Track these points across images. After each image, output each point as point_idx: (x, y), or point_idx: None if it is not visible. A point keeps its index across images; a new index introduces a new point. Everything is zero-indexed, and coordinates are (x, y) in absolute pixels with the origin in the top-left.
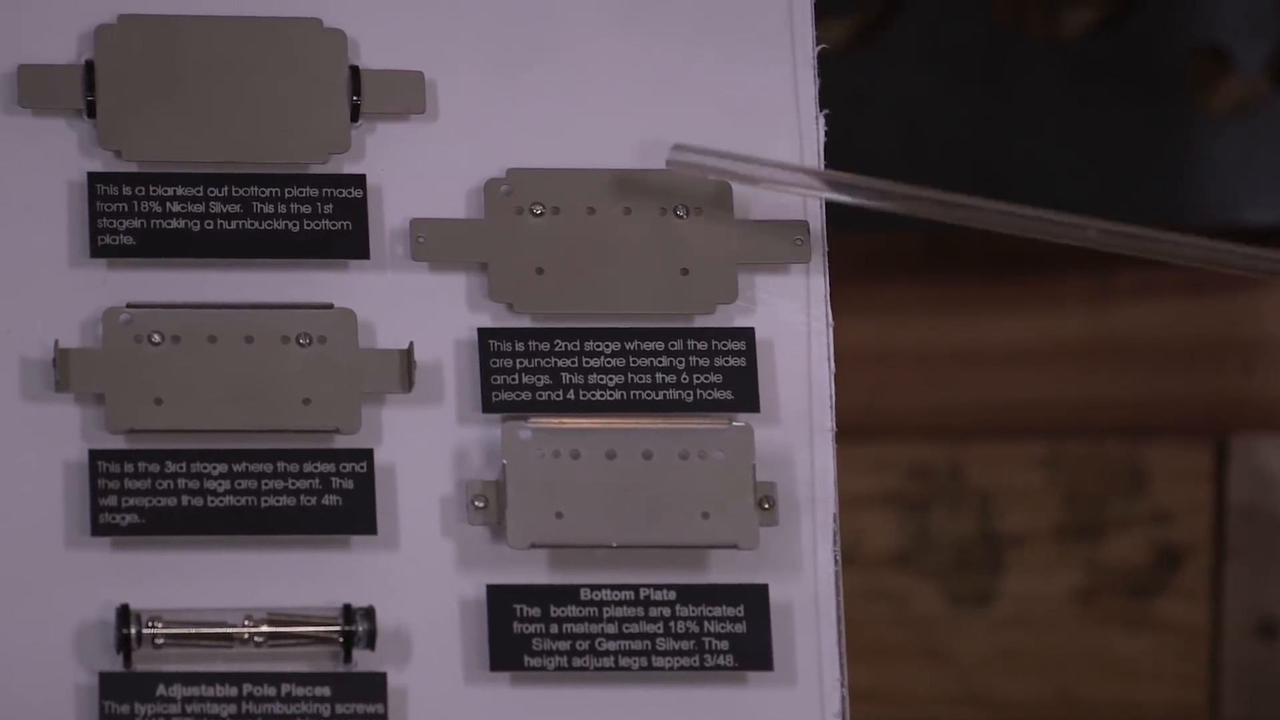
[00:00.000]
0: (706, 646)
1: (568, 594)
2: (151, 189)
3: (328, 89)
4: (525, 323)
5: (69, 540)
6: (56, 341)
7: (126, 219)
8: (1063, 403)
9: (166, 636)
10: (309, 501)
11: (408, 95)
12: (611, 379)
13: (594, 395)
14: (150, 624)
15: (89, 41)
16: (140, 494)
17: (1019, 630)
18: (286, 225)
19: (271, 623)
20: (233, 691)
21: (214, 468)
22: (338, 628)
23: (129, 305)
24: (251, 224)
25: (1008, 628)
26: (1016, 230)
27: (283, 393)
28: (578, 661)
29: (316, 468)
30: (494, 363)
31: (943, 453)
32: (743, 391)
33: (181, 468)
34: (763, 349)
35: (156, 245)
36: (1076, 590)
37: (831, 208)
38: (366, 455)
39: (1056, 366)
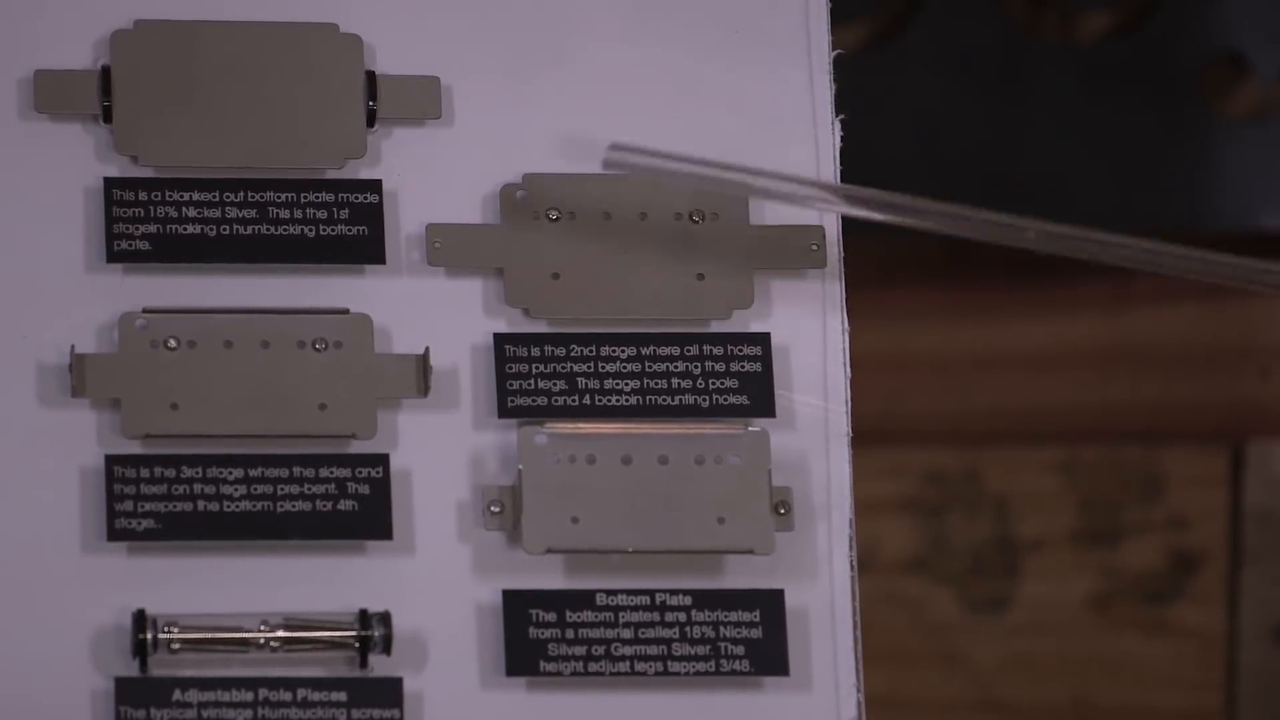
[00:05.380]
0: (722, 652)
1: (583, 599)
2: (167, 194)
3: (344, 94)
4: (541, 328)
5: (85, 545)
6: (72, 347)
7: (142, 224)
8: (1079, 408)
9: (182, 641)
10: (325, 507)
11: (424, 100)
12: (627, 384)
13: (610, 400)
14: (166, 629)
15: (105, 47)
16: (156, 499)
17: (1035, 636)
18: (302, 230)
19: (287, 628)
20: (248, 696)
21: (230, 473)
22: (354, 633)
23: (145, 310)
24: (267, 229)
25: (1023, 633)
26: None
27: (299, 398)
28: (594, 667)
29: (332, 473)
30: (510, 368)
31: (959, 458)
32: (758, 397)
33: (197, 473)
34: (778, 354)
35: (172, 250)
36: (1092, 596)
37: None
38: (382, 460)
39: (1073, 372)
